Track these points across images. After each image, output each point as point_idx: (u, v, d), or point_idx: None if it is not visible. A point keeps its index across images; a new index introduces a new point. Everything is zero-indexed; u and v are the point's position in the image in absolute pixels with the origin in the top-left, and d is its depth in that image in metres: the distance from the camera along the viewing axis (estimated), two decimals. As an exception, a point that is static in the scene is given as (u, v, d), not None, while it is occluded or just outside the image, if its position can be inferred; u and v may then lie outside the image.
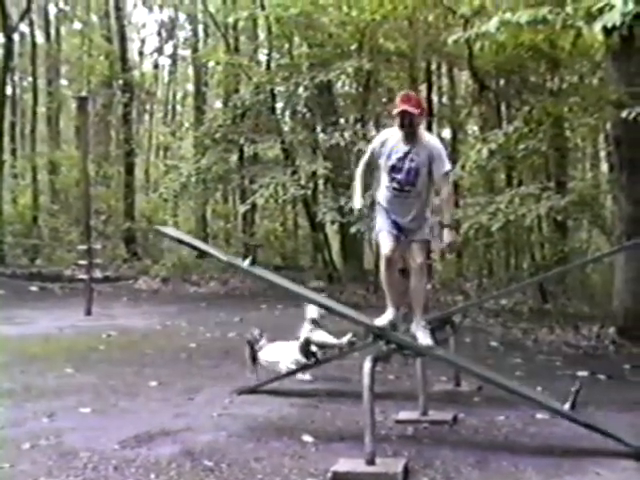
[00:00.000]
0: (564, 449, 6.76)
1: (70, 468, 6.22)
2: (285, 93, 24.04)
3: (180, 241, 8.16)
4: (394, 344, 7.12)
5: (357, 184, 7.56)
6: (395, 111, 7.06)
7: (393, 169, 7.13)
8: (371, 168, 7.53)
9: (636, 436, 6.88)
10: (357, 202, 7.42)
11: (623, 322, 13.45)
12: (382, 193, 7.36)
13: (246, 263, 7.66)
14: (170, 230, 9.51)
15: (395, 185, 7.15)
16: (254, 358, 9.56)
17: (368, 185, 7.68)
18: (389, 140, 7.26)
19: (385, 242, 7.22)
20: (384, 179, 7.31)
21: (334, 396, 8.92)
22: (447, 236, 7.01)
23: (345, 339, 9.31)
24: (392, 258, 7.20)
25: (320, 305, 8.52)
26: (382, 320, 7.19)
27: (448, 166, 7.13)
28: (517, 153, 15.55)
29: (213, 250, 8.95)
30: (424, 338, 7.09)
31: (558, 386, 9.57)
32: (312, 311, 9.59)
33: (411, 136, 7.09)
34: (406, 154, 7.07)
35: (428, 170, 7.04)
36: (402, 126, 7.08)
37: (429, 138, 7.39)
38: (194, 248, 8.82)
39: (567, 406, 6.86)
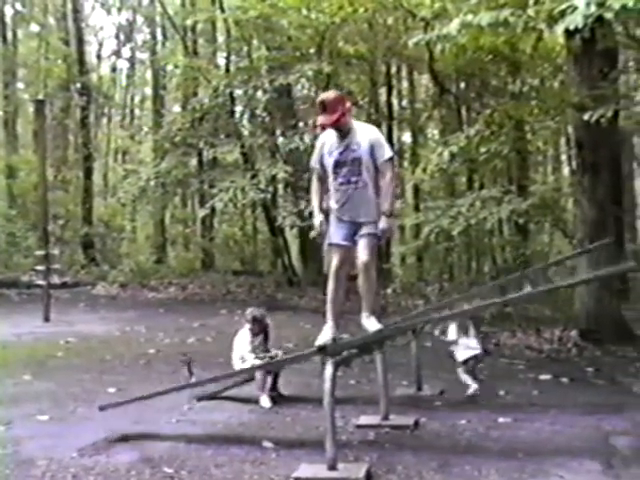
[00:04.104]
0: (527, 452, 6.72)
1: (28, 477, 6.14)
2: (244, 96, 24.03)
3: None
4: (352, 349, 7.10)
5: (314, 201, 7.48)
6: (317, 129, 7.12)
7: (337, 165, 7.12)
8: (324, 182, 7.43)
9: (600, 438, 6.89)
10: (316, 218, 7.31)
11: (585, 325, 13.50)
12: (332, 197, 7.30)
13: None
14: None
15: (341, 180, 7.12)
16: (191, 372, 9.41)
17: (323, 200, 7.58)
18: (327, 141, 7.28)
19: (336, 256, 7.20)
20: (331, 181, 7.26)
21: (294, 401, 8.87)
22: (382, 222, 6.90)
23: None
24: (341, 270, 7.17)
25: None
26: (322, 339, 7.03)
27: (390, 152, 7.11)
28: (479, 156, 15.54)
29: None
30: (372, 325, 7.05)
31: (521, 390, 9.60)
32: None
33: (345, 133, 7.12)
34: (347, 147, 7.09)
35: (371, 159, 7.02)
36: (335, 130, 7.16)
37: (365, 127, 7.39)
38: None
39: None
